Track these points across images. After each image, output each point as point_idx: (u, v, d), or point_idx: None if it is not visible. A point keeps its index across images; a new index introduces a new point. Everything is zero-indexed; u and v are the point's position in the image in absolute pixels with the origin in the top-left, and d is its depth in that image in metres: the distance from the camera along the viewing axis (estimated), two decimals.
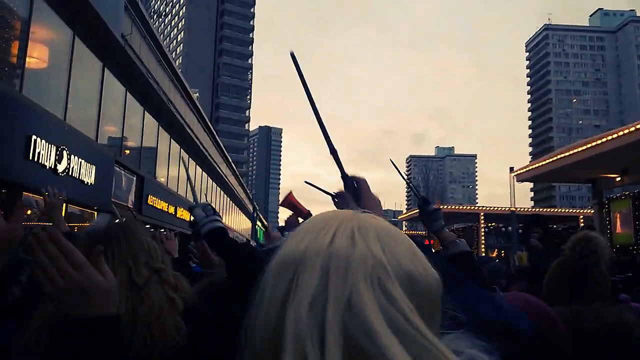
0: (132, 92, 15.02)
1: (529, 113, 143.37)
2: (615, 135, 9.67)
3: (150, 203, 15.70)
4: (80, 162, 10.31)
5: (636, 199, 10.04)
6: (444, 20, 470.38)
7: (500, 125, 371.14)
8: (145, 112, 16.53)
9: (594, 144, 10.12)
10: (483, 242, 17.59)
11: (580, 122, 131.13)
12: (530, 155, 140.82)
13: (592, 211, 20.24)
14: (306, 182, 1.91)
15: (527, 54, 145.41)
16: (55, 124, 9.74)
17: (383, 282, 0.54)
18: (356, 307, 0.52)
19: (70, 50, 10.96)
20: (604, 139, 9.85)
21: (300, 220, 3.04)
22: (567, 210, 19.47)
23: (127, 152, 16.17)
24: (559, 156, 10.89)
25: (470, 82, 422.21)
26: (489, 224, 17.96)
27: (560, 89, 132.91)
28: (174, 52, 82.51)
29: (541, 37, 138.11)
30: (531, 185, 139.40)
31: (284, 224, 3.44)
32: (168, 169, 19.95)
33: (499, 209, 18.14)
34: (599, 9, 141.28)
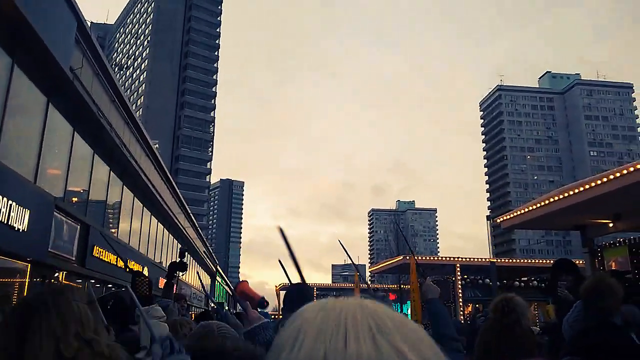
0: (81, 133, 13.68)
1: (486, 169, 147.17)
2: (606, 179, 9.01)
3: (96, 255, 14.05)
4: (10, 205, 8.84)
5: (633, 246, 9.31)
6: (405, 78, 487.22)
7: (458, 179, 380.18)
8: (95, 155, 15.12)
9: (584, 187, 9.41)
10: (460, 295, 16.53)
11: (535, 177, 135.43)
12: (488, 209, 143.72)
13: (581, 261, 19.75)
14: (340, 241, 2.17)
15: (482, 112, 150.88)
16: None
17: None
18: None
19: (7, 79, 9.69)
20: (594, 183, 9.16)
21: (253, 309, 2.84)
22: (544, 261, 18.72)
23: (75, 199, 14.65)
24: (546, 201, 10.14)
25: (429, 137, 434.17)
26: (465, 277, 16.99)
27: (515, 145, 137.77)
28: (134, 104, 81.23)
29: (494, 97, 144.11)
30: (489, 238, 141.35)
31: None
32: (119, 219, 18.34)
33: (477, 260, 17.25)
34: (547, 71, 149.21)
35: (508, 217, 11.02)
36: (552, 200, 10.04)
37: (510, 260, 19.41)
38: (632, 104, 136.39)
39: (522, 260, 20.60)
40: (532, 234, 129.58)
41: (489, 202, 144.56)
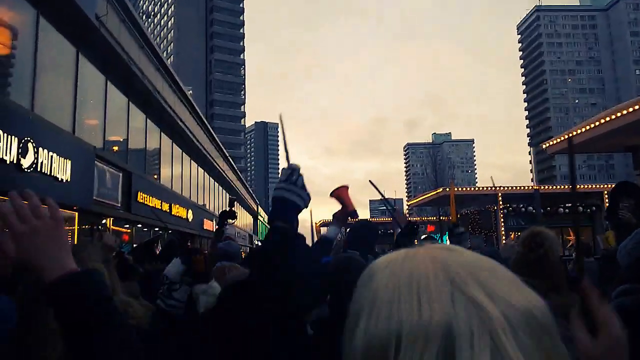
0: (114, 82, 13.68)
1: (525, 95, 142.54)
2: None
3: (141, 200, 14.38)
4: (52, 156, 9.00)
5: None
6: (434, 9, 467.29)
7: (496, 109, 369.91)
8: (130, 103, 15.18)
9: (635, 108, 8.86)
10: (503, 224, 16.30)
11: (577, 101, 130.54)
12: (528, 137, 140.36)
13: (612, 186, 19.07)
14: (370, 181, 2.06)
15: (519, 36, 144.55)
16: (16, 113, 8.43)
17: (498, 344, 0.48)
18: None
19: (34, 33, 9.63)
20: None
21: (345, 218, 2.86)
22: (588, 187, 18.14)
23: (116, 148, 14.89)
24: (596, 123, 9.64)
25: (463, 68, 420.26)
26: (507, 205, 16.66)
27: (555, 69, 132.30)
28: (164, 52, 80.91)
29: (532, 18, 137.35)
30: (530, 166, 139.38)
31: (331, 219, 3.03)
32: (159, 165, 18.63)
33: (520, 188, 16.86)
34: None
35: (556, 141, 10.58)
36: (602, 121, 9.55)
37: (554, 187, 18.90)
38: None
39: (565, 187, 20.05)
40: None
41: (529, 129, 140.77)
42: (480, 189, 17.16)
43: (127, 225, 14.72)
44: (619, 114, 9.32)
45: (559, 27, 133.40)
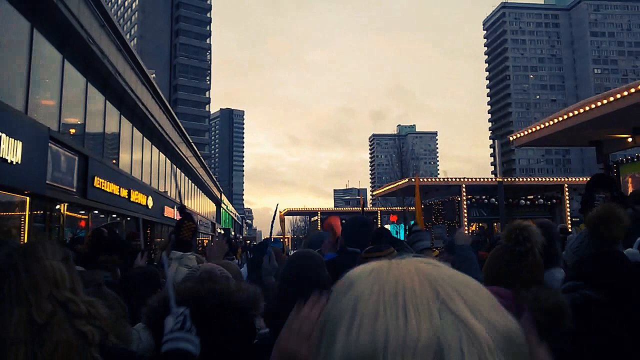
0: (71, 61, 13.03)
1: (488, 90, 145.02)
2: (627, 93, 8.57)
3: (97, 186, 13.82)
4: (0, 137, 8.45)
5: None
6: (401, 1, 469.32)
7: (459, 102, 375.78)
8: (89, 84, 14.52)
9: (602, 102, 8.97)
10: (466, 215, 16.44)
11: (538, 97, 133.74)
12: (490, 130, 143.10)
13: (576, 179, 19.54)
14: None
15: (485, 32, 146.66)
16: None
17: None
18: None
19: None
20: (615, 97, 8.73)
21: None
22: (550, 180, 18.50)
23: (73, 131, 14.23)
24: (564, 116, 9.72)
25: (430, 61, 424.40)
26: (470, 197, 16.81)
27: (518, 65, 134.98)
28: (127, 34, 78.54)
29: (498, 15, 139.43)
30: (490, 159, 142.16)
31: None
32: (118, 149, 17.98)
33: (483, 180, 17.03)
34: None
35: (521, 134, 10.62)
36: (569, 115, 9.62)
37: (517, 180, 19.17)
38: None
39: (529, 179, 20.41)
40: (532, 153, 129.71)
41: (491, 123, 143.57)
42: (445, 180, 17.25)
43: (83, 212, 14.14)
44: (586, 108, 9.39)
45: (524, 24, 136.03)
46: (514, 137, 10.93)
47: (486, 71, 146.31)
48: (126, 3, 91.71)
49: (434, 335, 0.47)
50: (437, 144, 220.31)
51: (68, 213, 12.93)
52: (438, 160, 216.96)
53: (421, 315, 0.48)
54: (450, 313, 0.49)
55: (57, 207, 12.49)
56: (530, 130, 10.42)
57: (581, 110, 9.50)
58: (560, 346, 1.66)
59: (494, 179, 17.22)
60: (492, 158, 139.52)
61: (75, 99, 13.93)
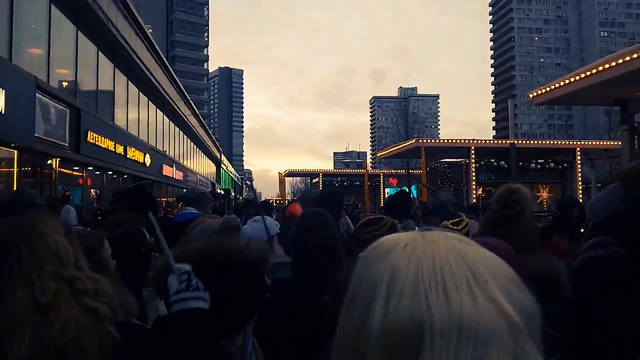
0: (59, 5, 12.18)
1: (491, 52, 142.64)
2: None
3: (91, 141, 13.16)
4: None
5: None
6: None
7: (462, 64, 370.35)
8: (80, 33, 13.68)
9: (631, 57, 8.25)
10: (474, 179, 15.86)
11: (542, 60, 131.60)
12: (492, 94, 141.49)
13: (588, 142, 18.92)
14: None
15: None
16: None
17: (518, 348, 0.50)
18: None
19: None
20: None
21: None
22: (562, 142, 17.86)
23: (65, 84, 13.50)
24: (587, 73, 9.01)
25: (432, 20, 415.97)
26: (479, 160, 16.20)
27: (523, 26, 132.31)
28: None
29: None
30: (492, 123, 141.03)
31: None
32: (113, 104, 17.23)
33: (493, 142, 16.39)
34: None
35: (542, 91, 9.92)
36: (593, 72, 8.92)
37: (529, 142, 18.51)
38: None
39: (541, 142, 19.76)
40: (535, 118, 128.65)
41: (494, 86, 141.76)
42: (453, 141, 16.59)
43: (77, 168, 13.54)
44: (610, 64, 8.70)
45: None
46: (535, 93, 10.23)
47: (490, 32, 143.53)
48: None
49: (475, 314, 0.48)
50: (438, 107, 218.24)
51: (60, 169, 12.33)
52: (439, 124, 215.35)
53: (461, 294, 0.49)
54: (485, 294, 0.50)
55: (49, 162, 11.89)
56: (552, 87, 9.74)
57: (606, 66, 8.80)
58: (553, 318, 1.56)
59: (505, 141, 16.55)
60: (494, 122, 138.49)
61: (65, 49, 13.14)
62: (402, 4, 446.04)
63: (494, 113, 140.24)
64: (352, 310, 0.54)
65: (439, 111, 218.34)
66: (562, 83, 9.53)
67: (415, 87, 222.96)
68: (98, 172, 15.21)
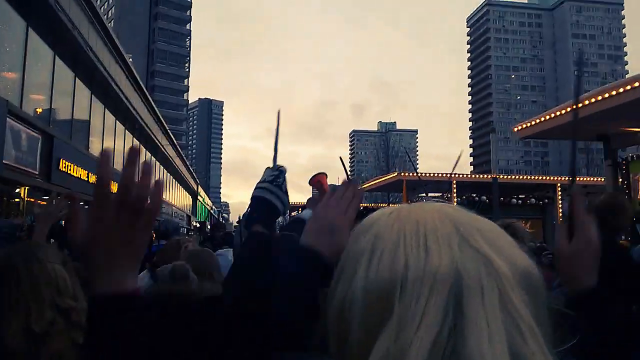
0: (36, 28, 11.88)
1: (469, 88, 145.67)
2: (637, 84, 7.91)
3: (63, 169, 12.69)
4: None
5: None
6: None
7: (440, 99, 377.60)
8: (57, 57, 13.35)
9: (617, 91, 8.29)
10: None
11: (519, 97, 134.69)
12: (470, 130, 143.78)
13: (567, 178, 18.93)
14: (340, 158, 1.66)
15: (468, 29, 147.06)
16: None
17: (504, 295, 0.47)
18: (463, 334, 0.45)
19: None
20: (632, 85, 8.06)
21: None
22: (543, 178, 17.92)
23: (39, 110, 13.09)
24: (568, 109, 9.00)
25: (412, 57, 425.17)
26: (461, 195, 16.12)
27: (500, 64, 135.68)
28: (105, 15, 76.35)
29: (483, 12, 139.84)
30: (470, 159, 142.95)
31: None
32: (88, 131, 16.79)
33: (476, 176, 16.34)
34: None
35: (526, 125, 9.89)
36: (578, 106, 8.89)
37: (511, 177, 18.56)
38: (621, 22, 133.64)
39: (522, 177, 19.83)
40: (511, 154, 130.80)
41: (471, 122, 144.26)
42: (435, 175, 16.50)
43: (46, 197, 13.00)
44: (598, 98, 8.72)
45: (507, 23, 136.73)
46: (519, 128, 10.20)
47: (468, 69, 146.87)
48: None
49: (454, 266, 0.47)
50: (417, 142, 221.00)
51: (29, 199, 11.81)
52: (418, 159, 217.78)
53: (442, 248, 0.48)
54: (471, 247, 0.49)
55: (17, 190, 11.38)
56: (535, 122, 9.71)
57: (592, 100, 8.81)
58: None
59: (486, 176, 16.51)
60: (472, 157, 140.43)
61: (40, 73, 12.78)
62: (383, 36, 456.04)
63: (472, 148, 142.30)
64: (338, 284, 0.53)
65: (417, 146, 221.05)
66: (545, 117, 9.50)
67: (394, 122, 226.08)
68: (69, 202, 14.65)
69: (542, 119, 9.44)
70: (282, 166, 1.47)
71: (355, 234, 0.57)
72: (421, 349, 0.43)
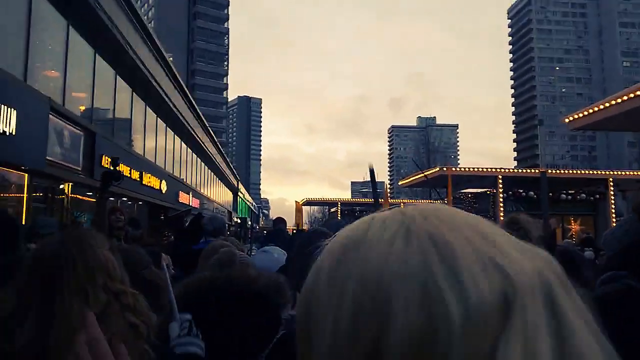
0: (77, 27, 12.02)
1: (512, 81, 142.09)
2: None
3: (106, 165, 12.82)
4: None
5: None
6: None
7: (481, 93, 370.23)
8: (97, 56, 13.51)
9: None
10: (502, 209, 15.12)
11: (564, 90, 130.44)
12: (513, 124, 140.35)
13: (621, 172, 18.10)
14: (370, 170, 1.89)
15: (509, 20, 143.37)
16: None
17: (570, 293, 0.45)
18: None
19: None
20: None
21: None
22: (594, 172, 17.10)
23: (82, 108, 13.30)
24: (628, 96, 8.41)
25: (451, 50, 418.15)
26: (507, 190, 15.48)
27: (543, 56, 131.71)
28: (145, 16, 77.78)
29: (524, 3, 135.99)
30: (513, 153, 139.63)
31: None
32: (130, 129, 17.00)
33: (522, 171, 15.71)
34: None
35: (579, 115, 9.32)
36: (636, 94, 8.31)
37: (560, 171, 17.78)
38: None
39: (571, 171, 19.01)
40: (557, 148, 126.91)
41: (514, 116, 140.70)
42: (480, 170, 15.93)
43: (89, 193, 13.19)
44: None
45: (550, 14, 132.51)
46: (570, 118, 9.64)
47: (510, 62, 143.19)
48: None
49: (535, 270, 0.44)
50: (457, 137, 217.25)
51: (73, 195, 11.98)
52: (459, 154, 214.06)
53: (524, 255, 0.45)
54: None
55: (61, 186, 11.54)
56: (587, 112, 9.15)
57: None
58: None
59: (534, 170, 15.84)
60: (516, 152, 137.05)
61: (82, 72, 12.94)
62: (418, 32, 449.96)
63: (516, 143, 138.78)
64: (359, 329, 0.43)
65: (458, 141, 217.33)
66: (601, 107, 8.94)
67: (434, 117, 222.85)
68: (112, 198, 14.86)
69: (594, 109, 8.88)
70: (187, 314, 1.52)
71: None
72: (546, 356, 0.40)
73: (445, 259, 0.43)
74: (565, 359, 0.40)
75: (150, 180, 17.27)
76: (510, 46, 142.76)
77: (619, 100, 8.88)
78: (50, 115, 9.80)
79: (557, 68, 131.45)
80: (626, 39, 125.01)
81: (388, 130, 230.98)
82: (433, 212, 0.48)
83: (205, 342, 1.44)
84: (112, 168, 3.53)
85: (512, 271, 0.43)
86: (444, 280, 0.42)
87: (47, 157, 9.63)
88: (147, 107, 18.66)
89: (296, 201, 27.54)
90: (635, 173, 17.30)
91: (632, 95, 8.49)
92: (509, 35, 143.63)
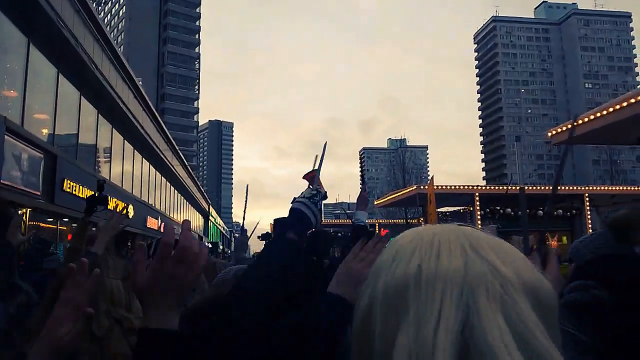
0: (38, 45, 11.43)
1: (479, 103, 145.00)
2: None
3: (67, 190, 12.12)
4: None
5: None
6: (390, 13, 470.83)
7: (449, 115, 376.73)
8: (61, 75, 12.89)
9: None
10: (479, 227, 14.89)
11: (529, 111, 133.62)
12: (481, 144, 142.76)
13: (596, 187, 18.18)
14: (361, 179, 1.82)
15: (476, 45, 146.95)
16: None
17: (507, 296, 0.50)
18: (477, 328, 0.47)
19: None
20: None
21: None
22: (571, 188, 17.09)
23: (45, 131, 12.61)
24: (617, 106, 8.28)
25: (420, 74, 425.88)
26: (484, 207, 15.31)
27: (509, 79, 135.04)
28: (114, 41, 76.98)
29: (489, 28, 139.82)
30: (482, 173, 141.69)
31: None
32: (95, 151, 16.28)
33: (499, 188, 15.59)
34: (543, 1, 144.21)
35: (561, 129, 9.16)
36: (616, 108, 8.19)
37: (538, 187, 17.75)
38: (630, 33, 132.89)
39: (547, 188, 19.02)
40: (525, 167, 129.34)
41: (482, 137, 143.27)
42: (457, 187, 15.74)
43: (50, 219, 12.43)
44: (631, 101, 7.99)
45: (515, 38, 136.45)
46: (553, 132, 9.48)
47: (477, 84, 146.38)
48: (113, 10, 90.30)
49: (463, 267, 0.51)
50: (427, 158, 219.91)
51: (31, 223, 11.23)
52: (429, 175, 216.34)
53: (452, 255, 0.53)
54: (480, 257, 0.52)
55: (20, 212, 10.78)
56: (570, 125, 9.00)
57: (632, 101, 8.09)
58: None
59: (512, 187, 15.74)
60: (484, 172, 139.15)
61: (43, 91, 12.31)
62: (388, 57, 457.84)
63: (484, 163, 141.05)
64: (363, 294, 0.58)
65: (428, 161, 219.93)
66: (583, 120, 8.79)
67: (405, 139, 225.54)
68: (75, 224, 14.09)
69: (579, 121, 8.73)
70: (324, 190, 1.61)
71: (382, 253, 0.60)
72: (444, 344, 0.46)
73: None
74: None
75: (116, 204, 16.51)
76: (477, 69, 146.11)
77: (604, 112, 8.77)
78: (6, 136, 9.15)
79: (523, 90, 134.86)
80: (587, 62, 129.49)
81: (359, 152, 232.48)
82: (445, 225, 0.61)
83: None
84: (97, 192, 3.13)
85: (428, 265, 0.53)
86: (390, 262, 0.58)
87: (2, 181, 8.96)
88: (114, 129, 17.99)
89: (271, 224, 26.94)
90: (609, 188, 17.38)
91: (612, 109, 8.37)
92: (476, 60, 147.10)
